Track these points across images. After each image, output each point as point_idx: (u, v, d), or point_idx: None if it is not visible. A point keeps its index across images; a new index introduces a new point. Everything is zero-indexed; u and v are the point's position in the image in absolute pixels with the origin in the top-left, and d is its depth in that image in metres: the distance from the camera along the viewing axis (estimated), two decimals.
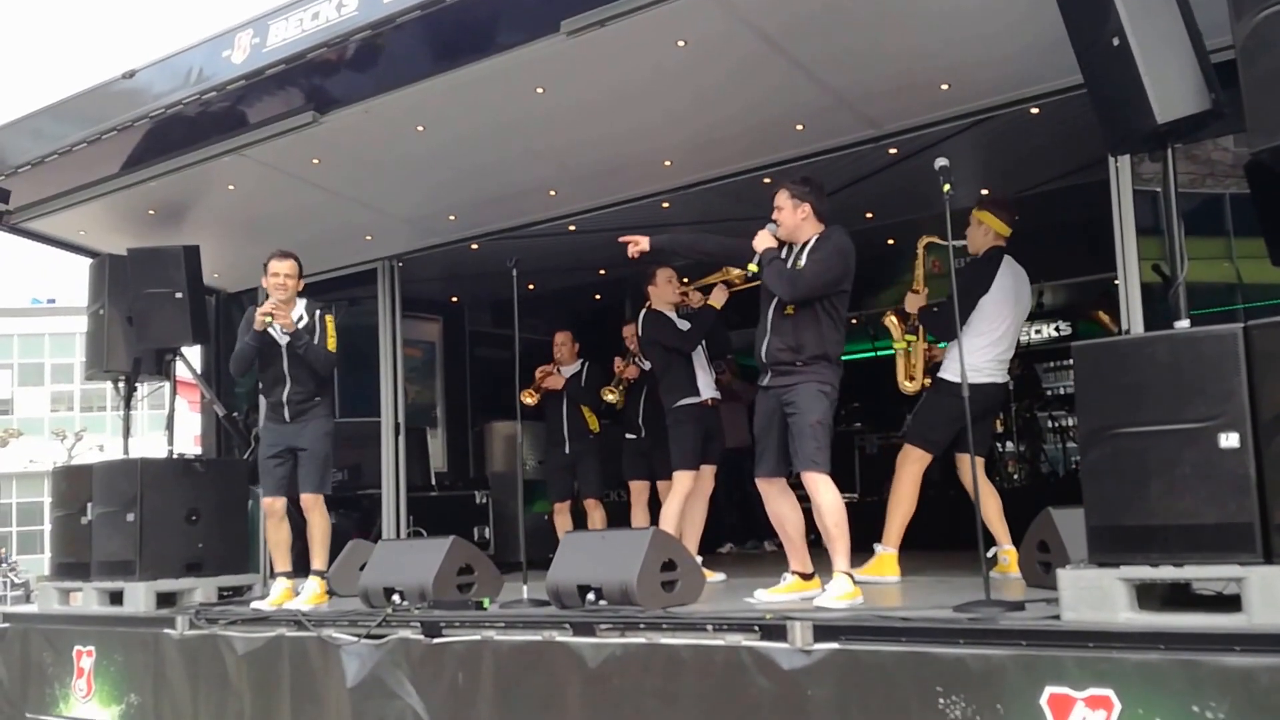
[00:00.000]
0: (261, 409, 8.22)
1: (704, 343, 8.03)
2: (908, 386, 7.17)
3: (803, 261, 6.11)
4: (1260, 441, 4.11)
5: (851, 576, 5.85)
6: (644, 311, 8.10)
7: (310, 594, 7.47)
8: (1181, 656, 4.03)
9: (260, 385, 7.93)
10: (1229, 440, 4.16)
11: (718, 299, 7.88)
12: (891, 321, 7.22)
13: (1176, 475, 4.25)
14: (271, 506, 7.69)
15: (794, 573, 6.20)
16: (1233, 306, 6.06)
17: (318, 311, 7.73)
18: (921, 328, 7.12)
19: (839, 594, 5.71)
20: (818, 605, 5.59)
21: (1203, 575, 4.28)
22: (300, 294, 7.74)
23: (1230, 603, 4.20)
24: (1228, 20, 4.45)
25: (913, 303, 7.07)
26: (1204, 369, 4.24)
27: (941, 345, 7.10)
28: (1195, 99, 4.59)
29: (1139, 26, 4.63)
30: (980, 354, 6.68)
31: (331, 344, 7.66)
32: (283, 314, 7.48)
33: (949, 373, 6.73)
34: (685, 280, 8.12)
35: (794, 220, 6.20)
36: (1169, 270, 4.72)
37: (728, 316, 8.10)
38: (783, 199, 6.23)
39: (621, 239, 6.69)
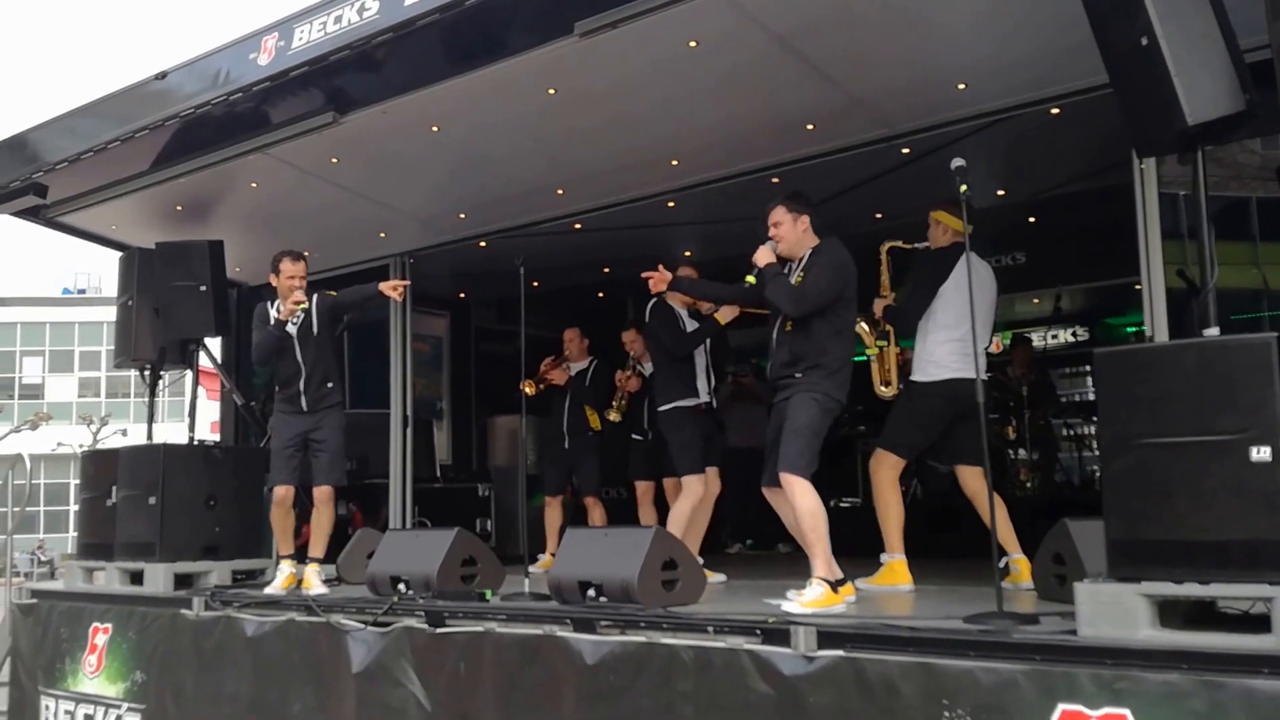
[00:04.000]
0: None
1: (707, 349, 7.47)
2: (884, 391, 6.63)
3: (803, 276, 5.71)
4: None
5: (828, 583, 5.29)
6: (654, 300, 7.53)
7: (310, 578, 7.14)
8: (1205, 678, 3.55)
9: (276, 378, 7.57)
10: (1261, 454, 3.65)
11: (725, 315, 7.26)
12: (861, 328, 6.66)
13: (1204, 489, 3.75)
14: (285, 496, 7.31)
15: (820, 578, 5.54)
16: (1258, 314, 5.56)
17: (314, 297, 7.49)
18: (892, 331, 6.61)
19: (812, 599, 5.18)
20: (785, 610, 5.09)
21: (1230, 594, 3.78)
22: None
23: (1258, 623, 3.70)
24: (1264, 19, 3.96)
25: (879, 306, 6.59)
26: (1235, 379, 3.73)
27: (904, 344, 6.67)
28: (1228, 100, 4.06)
29: (1169, 25, 4.10)
30: (942, 346, 6.15)
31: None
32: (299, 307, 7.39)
33: (916, 375, 6.32)
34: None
35: (794, 234, 5.79)
36: (1195, 275, 4.19)
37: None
38: (780, 215, 5.82)
39: (645, 274, 6.29)
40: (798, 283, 5.68)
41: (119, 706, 7.33)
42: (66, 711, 7.70)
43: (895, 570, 6.27)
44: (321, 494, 7.33)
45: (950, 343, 6.15)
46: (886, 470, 6.35)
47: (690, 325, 7.41)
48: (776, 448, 5.65)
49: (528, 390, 8.70)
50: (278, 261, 7.41)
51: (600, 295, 12.14)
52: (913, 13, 5.76)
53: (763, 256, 5.79)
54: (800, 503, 5.44)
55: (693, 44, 6.12)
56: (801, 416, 5.52)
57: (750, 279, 5.83)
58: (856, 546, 6.26)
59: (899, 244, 6.59)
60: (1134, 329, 11.40)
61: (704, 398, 7.40)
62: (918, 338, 6.40)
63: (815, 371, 5.58)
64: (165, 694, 7.05)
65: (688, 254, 9.94)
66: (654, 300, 7.45)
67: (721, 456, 7.66)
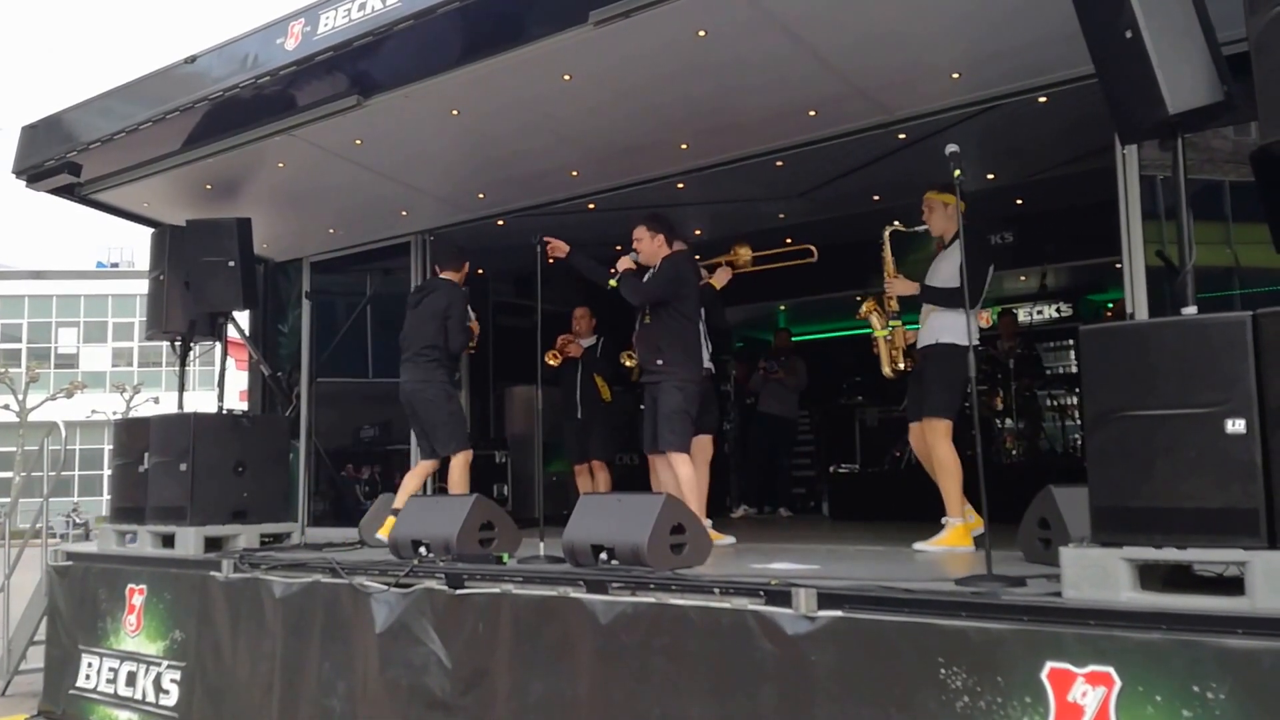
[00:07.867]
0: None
1: (702, 316, 7.50)
2: (888, 372, 6.73)
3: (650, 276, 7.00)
4: (1267, 428, 3.66)
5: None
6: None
7: None
8: (1183, 637, 3.62)
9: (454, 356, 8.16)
10: (1235, 426, 3.70)
11: (719, 279, 7.62)
12: (874, 311, 6.72)
13: (1182, 459, 3.80)
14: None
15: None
16: (1230, 291, 5.61)
17: None
18: (898, 314, 6.66)
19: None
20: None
21: (1206, 558, 3.83)
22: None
23: (1232, 585, 3.76)
24: (1240, 13, 4.03)
25: (903, 287, 6.55)
26: (1212, 355, 3.79)
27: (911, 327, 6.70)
28: (1207, 91, 4.12)
29: (1152, 19, 4.16)
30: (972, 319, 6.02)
31: None
32: None
33: (951, 336, 6.25)
34: (698, 258, 7.70)
35: (651, 248, 7.11)
36: (1172, 255, 4.26)
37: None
38: (640, 233, 7.14)
39: (546, 239, 6.99)
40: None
41: (159, 664, 7.39)
42: (110, 668, 7.75)
43: (958, 533, 6.31)
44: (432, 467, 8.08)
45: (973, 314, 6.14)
46: (947, 435, 6.34)
47: None
48: (648, 419, 6.90)
49: (551, 361, 8.90)
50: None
51: (611, 272, 12.19)
52: (913, 3, 5.79)
53: (623, 264, 7.09)
54: (681, 472, 6.65)
55: (702, 33, 6.15)
56: (671, 404, 6.69)
57: (613, 283, 7.07)
58: (855, 510, 6.34)
59: (898, 227, 6.62)
60: (1112, 304, 11.54)
61: (704, 364, 7.48)
62: (943, 307, 6.38)
63: (677, 361, 6.76)
64: (203, 652, 7.12)
65: (697, 232, 10.02)
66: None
67: (716, 426, 7.85)
